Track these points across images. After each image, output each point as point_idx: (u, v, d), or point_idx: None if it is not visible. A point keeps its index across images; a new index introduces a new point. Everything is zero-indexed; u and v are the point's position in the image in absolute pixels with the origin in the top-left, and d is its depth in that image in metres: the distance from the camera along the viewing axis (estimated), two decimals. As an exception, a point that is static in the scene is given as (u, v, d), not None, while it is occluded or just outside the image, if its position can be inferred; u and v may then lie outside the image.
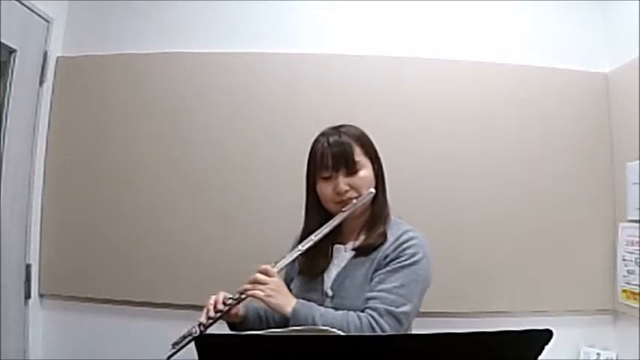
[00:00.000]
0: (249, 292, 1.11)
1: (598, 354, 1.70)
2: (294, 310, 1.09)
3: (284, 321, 1.17)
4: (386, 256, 1.17)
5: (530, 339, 0.68)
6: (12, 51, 1.61)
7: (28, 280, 1.72)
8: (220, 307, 1.13)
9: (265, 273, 1.13)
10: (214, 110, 1.82)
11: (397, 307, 1.10)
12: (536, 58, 1.86)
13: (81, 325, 1.78)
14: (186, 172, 1.79)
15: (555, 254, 1.77)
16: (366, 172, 1.21)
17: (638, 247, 1.63)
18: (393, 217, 1.28)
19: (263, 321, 1.27)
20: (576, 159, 1.81)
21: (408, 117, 1.81)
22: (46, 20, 1.76)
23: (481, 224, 1.77)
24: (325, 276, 1.22)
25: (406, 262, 1.15)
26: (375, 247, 1.19)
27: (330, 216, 1.21)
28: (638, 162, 1.65)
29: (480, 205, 1.78)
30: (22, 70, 1.65)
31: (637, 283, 1.62)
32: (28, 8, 1.66)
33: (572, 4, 1.92)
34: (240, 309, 1.21)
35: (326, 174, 1.19)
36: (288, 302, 1.11)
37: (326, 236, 1.20)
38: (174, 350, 1.09)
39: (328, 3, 1.89)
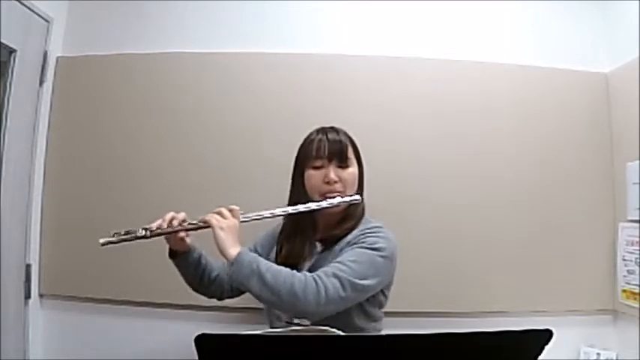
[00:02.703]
0: (207, 217, 1.15)
1: (598, 354, 1.70)
2: (240, 254, 1.10)
3: (221, 277, 1.27)
4: (347, 242, 1.21)
5: (530, 339, 0.68)
6: (12, 51, 1.61)
7: (28, 280, 1.71)
8: (175, 223, 1.18)
9: (231, 211, 1.16)
10: (214, 110, 1.82)
11: (346, 274, 1.11)
12: (536, 58, 1.86)
13: (81, 325, 1.78)
14: (186, 171, 1.79)
15: (555, 254, 1.77)
16: (354, 169, 1.29)
17: (638, 247, 1.63)
18: (367, 216, 1.32)
19: (201, 266, 1.30)
20: (576, 159, 1.81)
21: (407, 117, 1.80)
22: (46, 20, 1.76)
23: (481, 224, 1.77)
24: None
25: (365, 246, 1.18)
26: (339, 239, 1.23)
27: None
28: (638, 162, 1.65)
29: (480, 205, 1.78)
30: (22, 70, 1.65)
31: (637, 283, 1.62)
32: (28, 8, 1.66)
33: (572, 4, 1.92)
34: (190, 243, 1.25)
35: (318, 163, 1.25)
36: (234, 245, 1.12)
37: (302, 231, 1.27)
38: (110, 239, 1.14)
39: (328, 3, 1.89)
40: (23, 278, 1.70)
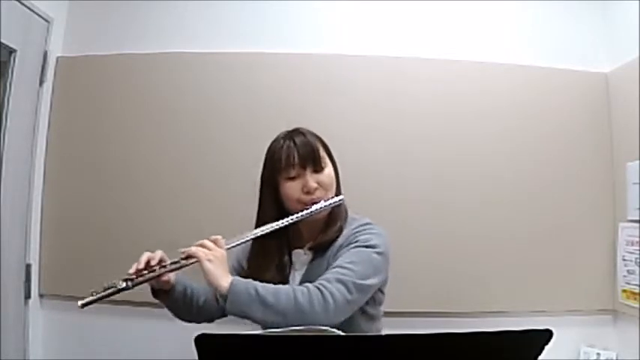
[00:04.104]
0: (192, 250, 1.05)
1: (598, 354, 1.70)
2: (233, 284, 1.01)
3: (209, 301, 1.17)
4: (339, 246, 1.16)
5: (530, 339, 0.68)
6: (12, 51, 1.61)
7: (28, 280, 1.72)
8: (155, 266, 1.10)
9: (214, 242, 1.08)
10: (214, 110, 1.82)
11: (350, 277, 1.06)
12: (536, 58, 1.86)
13: (81, 325, 1.78)
14: (186, 172, 1.79)
15: (555, 254, 1.77)
16: (329, 169, 1.20)
17: (638, 247, 1.63)
18: (351, 213, 1.25)
19: (187, 297, 1.21)
20: (576, 159, 1.81)
21: (407, 117, 1.80)
22: (46, 20, 1.76)
23: (481, 224, 1.77)
24: (291, 283, 1.19)
25: (360, 244, 1.13)
26: (330, 243, 1.17)
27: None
28: (638, 162, 1.65)
29: (480, 205, 1.78)
30: (22, 70, 1.65)
31: (637, 283, 1.62)
32: (28, 8, 1.66)
33: (572, 4, 1.92)
34: (172, 277, 1.16)
35: (292, 173, 1.16)
36: (225, 275, 1.03)
37: (285, 243, 1.19)
38: (91, 298, 1.07)
39: (328, 3, 1.89)
40: (23, 278, 1.70)
